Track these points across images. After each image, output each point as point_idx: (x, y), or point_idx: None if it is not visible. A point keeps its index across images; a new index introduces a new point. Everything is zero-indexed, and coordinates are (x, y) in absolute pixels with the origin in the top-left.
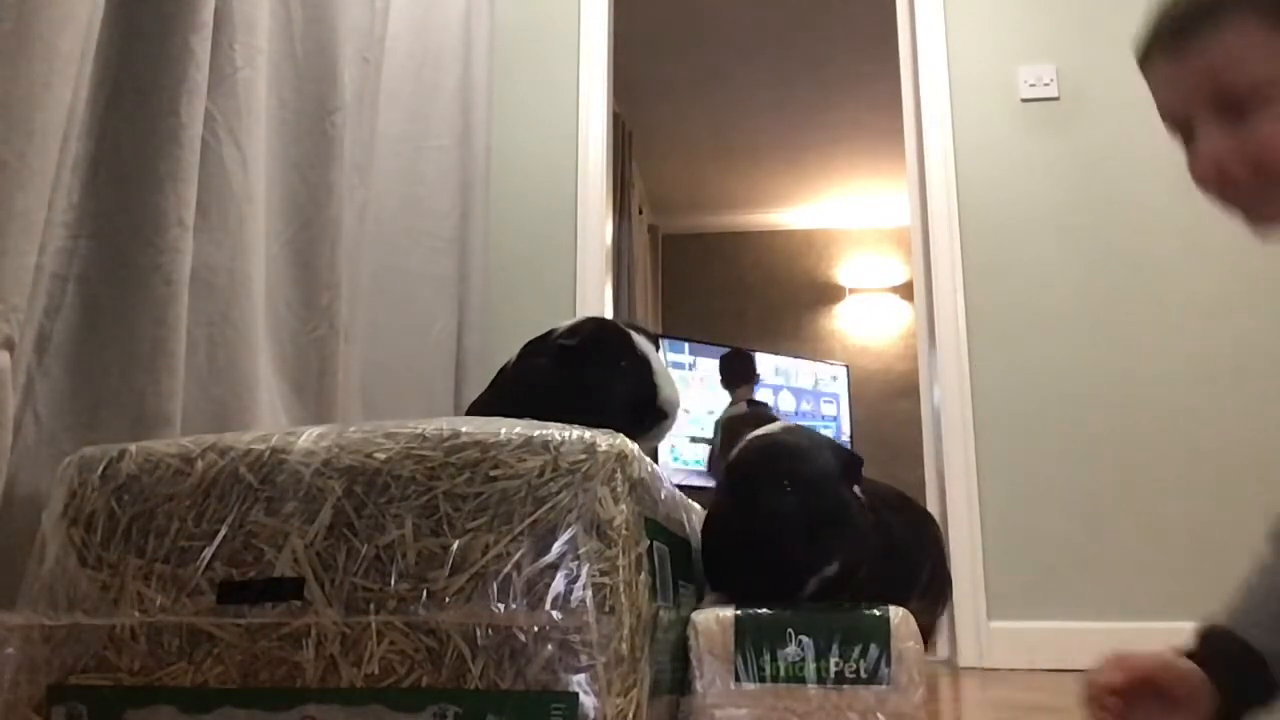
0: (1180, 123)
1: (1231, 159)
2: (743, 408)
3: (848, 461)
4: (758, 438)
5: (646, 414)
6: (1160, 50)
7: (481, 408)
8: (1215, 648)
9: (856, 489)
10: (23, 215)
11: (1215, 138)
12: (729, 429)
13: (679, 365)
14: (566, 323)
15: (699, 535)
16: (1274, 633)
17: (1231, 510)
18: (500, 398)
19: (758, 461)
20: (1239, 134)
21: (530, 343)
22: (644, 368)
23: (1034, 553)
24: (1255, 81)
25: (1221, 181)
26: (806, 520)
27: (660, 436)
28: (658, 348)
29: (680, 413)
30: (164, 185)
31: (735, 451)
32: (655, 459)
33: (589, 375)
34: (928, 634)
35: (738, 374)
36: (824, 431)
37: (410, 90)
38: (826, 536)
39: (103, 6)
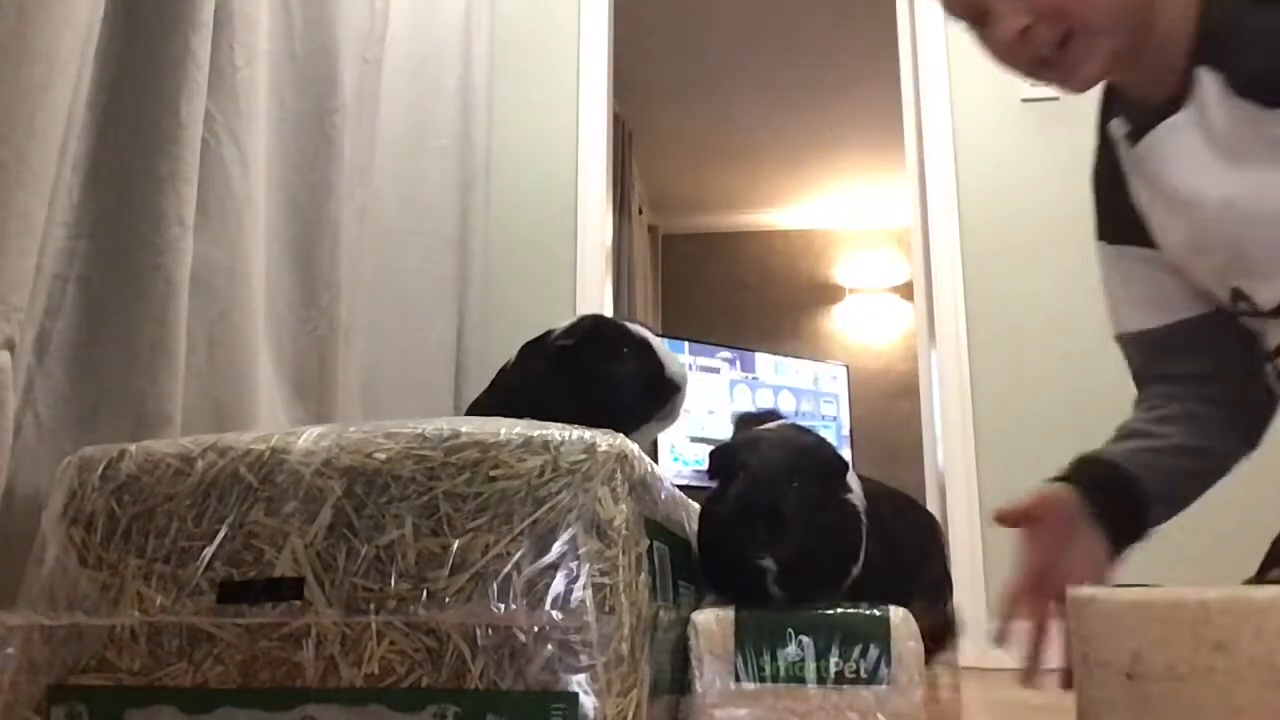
0: (970, 5)
1: (1036, 22)
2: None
3: (834, 468)
4: (760, 433)
5: (659, 390)
6: None
7: (480, 409)
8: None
9: (850, 497)
10: (23, 215)
11: (1015, 7)
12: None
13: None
14: (564, 323)
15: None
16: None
17: (1231, 508)
18: (500, 400)
19: (738, 450)
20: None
21: (528, 345)
22: (646, 349)
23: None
24: None
25: (1029, 48)
26: (744, 508)
27: (676, 412)
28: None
29: (681, 411)
30: (164, 185)
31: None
32: (655, 457)
33: (592, 368)
34: (935, 635)
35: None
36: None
37: (410, 90)
38: (760, 529)
39: (103, 7)
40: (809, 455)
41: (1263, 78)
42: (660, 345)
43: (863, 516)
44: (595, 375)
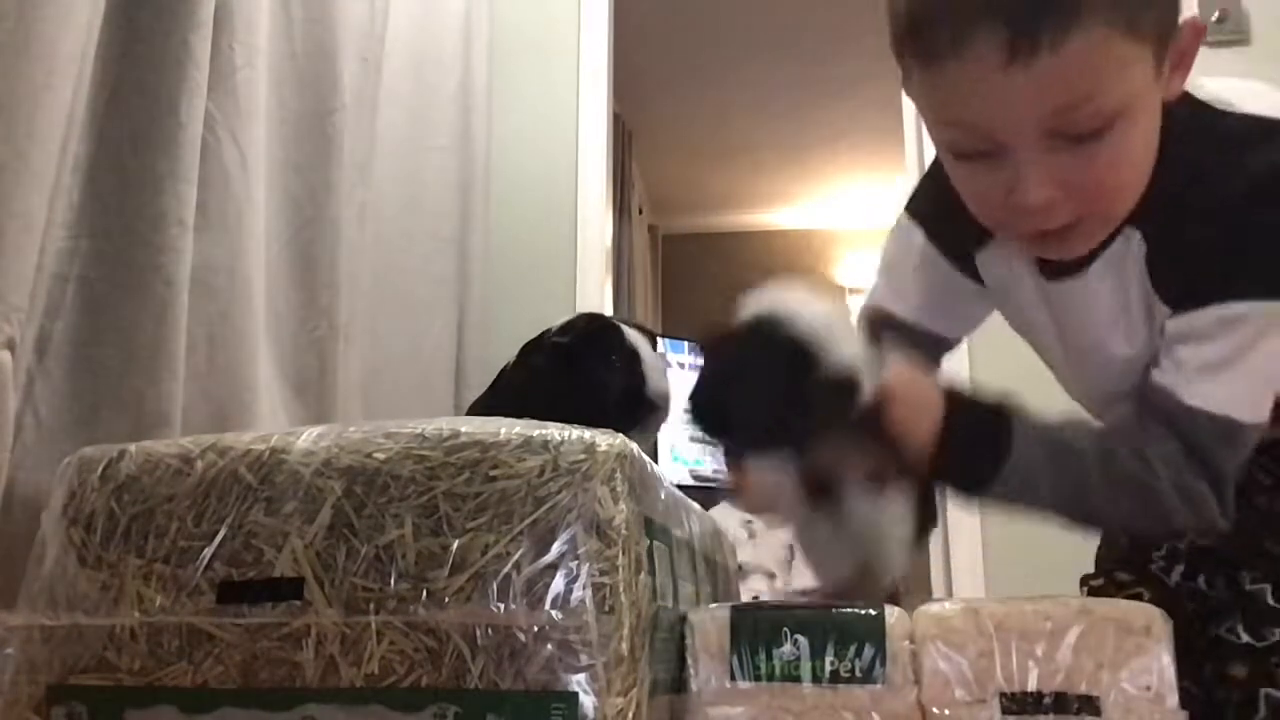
0: (986, 136)
1: (1065, 199)
2: None
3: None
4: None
5: (636, 407)
6: (995, 44)
7: (481, 409)
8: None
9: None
10: (23, 215)
11: (1047, 164)
12: None
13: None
14: (561, 320)
15: (699, 535)
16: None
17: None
18: (500, 399)
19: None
20: (1074, 159)
21: (528, 344)
22: (633, 361)
23: (1035, 551)
24: (1102, 105)
25: (1040, 219)
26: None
27: (653, 429)
28: (655, 345)
29: (681, 411)
30: (164, 185)
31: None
32: (655, 458)
33: (581, 371)
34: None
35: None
36: None
37: (410, 90)
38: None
39: (103, 7)
40: None
41: (1177, 284)
42: (649, 359)
43: None
44: (581, 379)
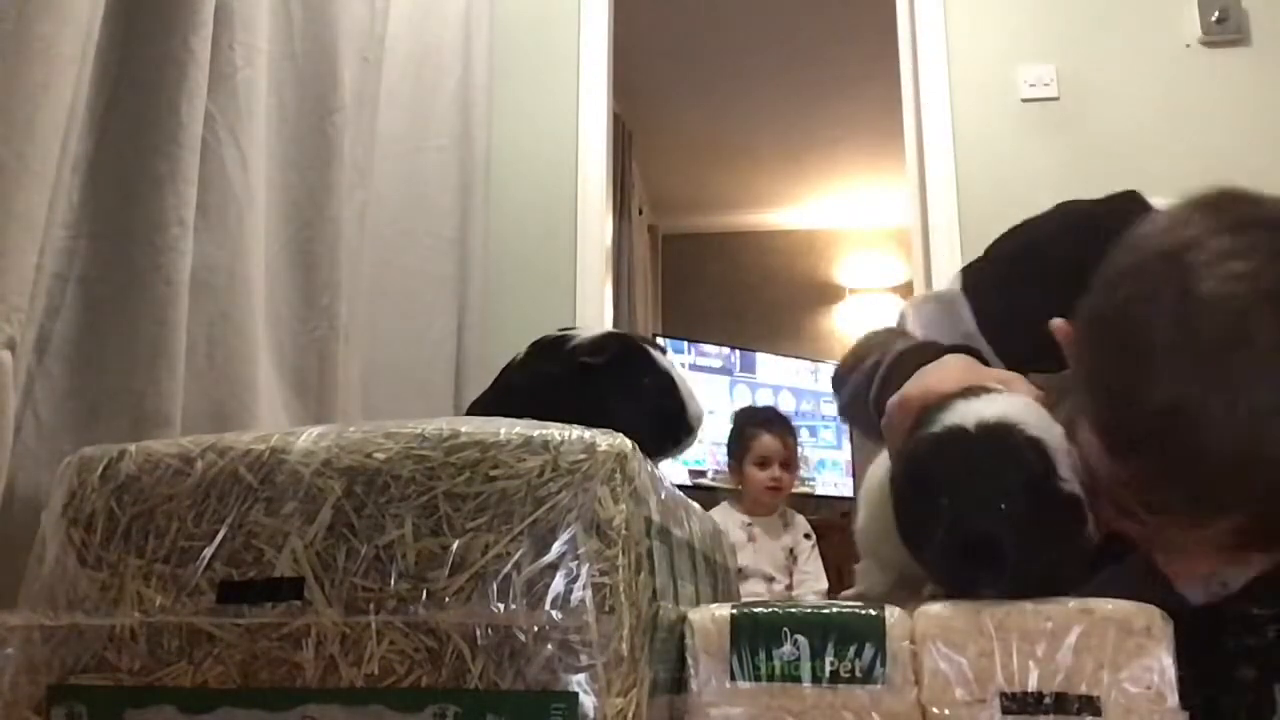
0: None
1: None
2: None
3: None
4: (944, 431)
5: (676, 432)
6: (1215, 530)
7: (483, 407)
8: None
9: (1064, 484)
10: (23, 215)
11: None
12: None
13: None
14: (584, 333)
15: (699, 535)
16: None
17: None
18: (503, 398)
19: (922, 465)
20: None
21: (541, 346)
22: (668, 383)
23: None
24: None
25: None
26: (947, 549)
27: (686, 450)
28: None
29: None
30: (164, 185)
31: (916, 437)
32: None
33: (613, 395)
34: None
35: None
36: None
37: (410, 90)
38: (970, 568)
39: (102, 7)
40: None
41: None
42: (682, 381)
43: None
44: (612, 404)
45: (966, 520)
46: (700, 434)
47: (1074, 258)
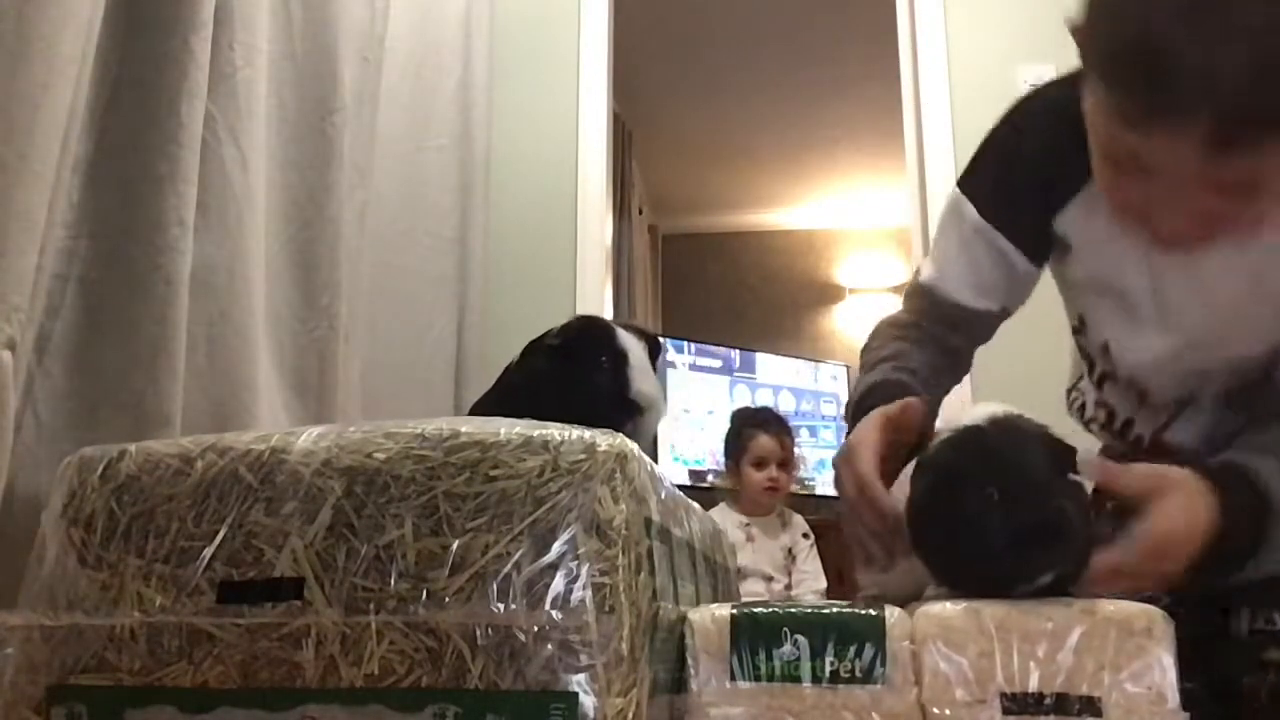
0: (1150, 169)
1: (1209, 220)
2: None
3: (1061, 455)
4: (961, 432)
5: (620, 409)
6: (1201, 140)
7: (482, 408)
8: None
9: (1074, 477)
10: (23, 215)
11: (1205, 200)
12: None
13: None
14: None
15: (699, 535)
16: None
17: None
18: (500, 398)
19: (957, 464)
20: (1229, 204)
21: (531, 343)
22: (621, 362)
23: None
24: (1273, 193)
25: (1185, 238)
26: (1011, 535)
27: (641, 431)
28: (657, 348)
29: (680, 411)
30: (164, 185)
31: (933, 446)
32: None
33: (572, 373)
34: None
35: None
36: (824, 432)
37: (410, 90)
38: (1036, 550)
39: (103, 6)
40: (1056, 450)
41: None
42: (637, 360)
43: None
44: (572, 381)
45: (1024, 502)
46: (659, 416)
47: (1045, 143)
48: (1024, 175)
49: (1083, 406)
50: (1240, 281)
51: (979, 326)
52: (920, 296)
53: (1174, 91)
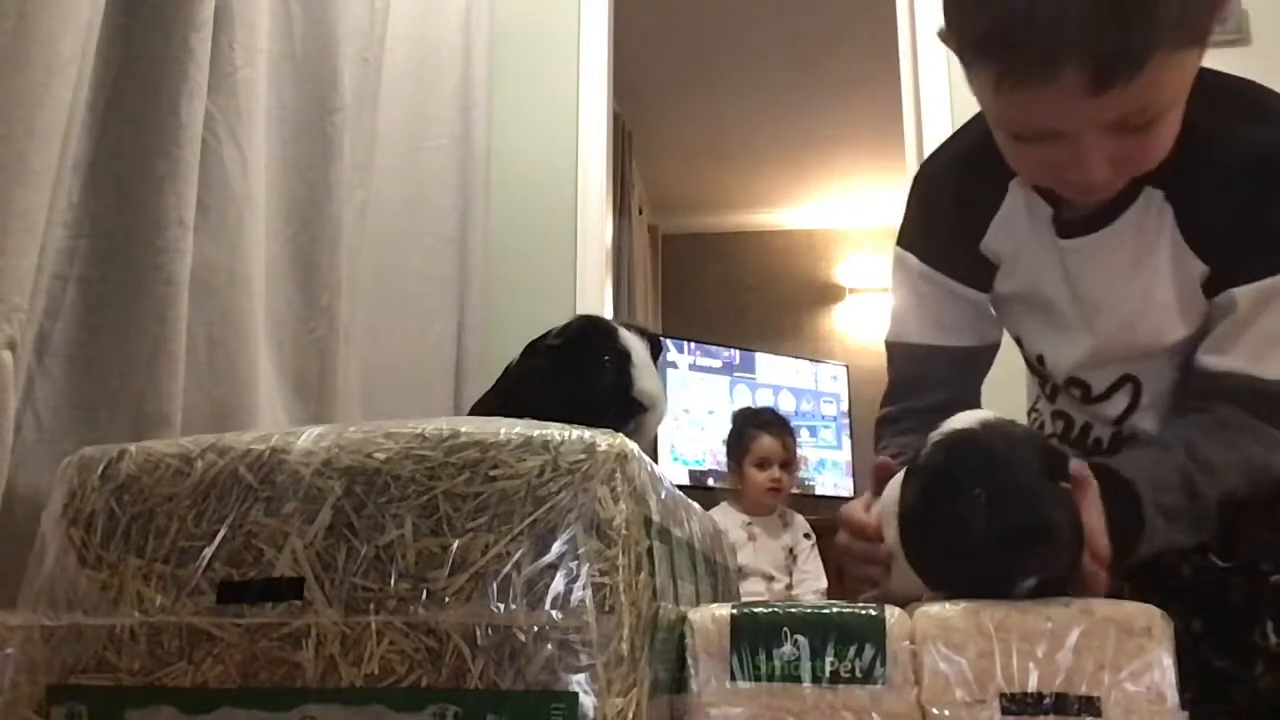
0: (1052, 131)
1: (1122, 164)
2: None
3: (1053, 461)
4: (952, 434)
5: (622, 408)
6: (1082, 79)
7: (482, 408)
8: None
9: (1065, 485)
10: (23, 215)
11: (1106, 147)
12: None
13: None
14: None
15: (699, 535)
16: None
17: None
18: (501, 398)
19: (947, 465)
20: (1131, 142)
21: (531, 343)
22: (624, 362)
23: None
24: (1163, 105)
25: (1107, 187)
26: (995, 536)
27: (644, 430)
28: (659, 348)
29: (680, 411)
30: (164, 185)
31: (924, 449)
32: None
33: (574, 373)
34: None
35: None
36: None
37: (410, 90)
38: (1020, 553)
39: (103, 6)
40: (1047, 456)
41: (1207, 236)
42: (640, 359)
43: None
44: (573, 380)
45: (1011, 504)
46: (660, 416)
47: (956, 184)
48: (947, 216)
49: (1042, 425)
50: (1124, 263)
51: (963, 362)
52: (892, 360)
53: (1039, 47)
